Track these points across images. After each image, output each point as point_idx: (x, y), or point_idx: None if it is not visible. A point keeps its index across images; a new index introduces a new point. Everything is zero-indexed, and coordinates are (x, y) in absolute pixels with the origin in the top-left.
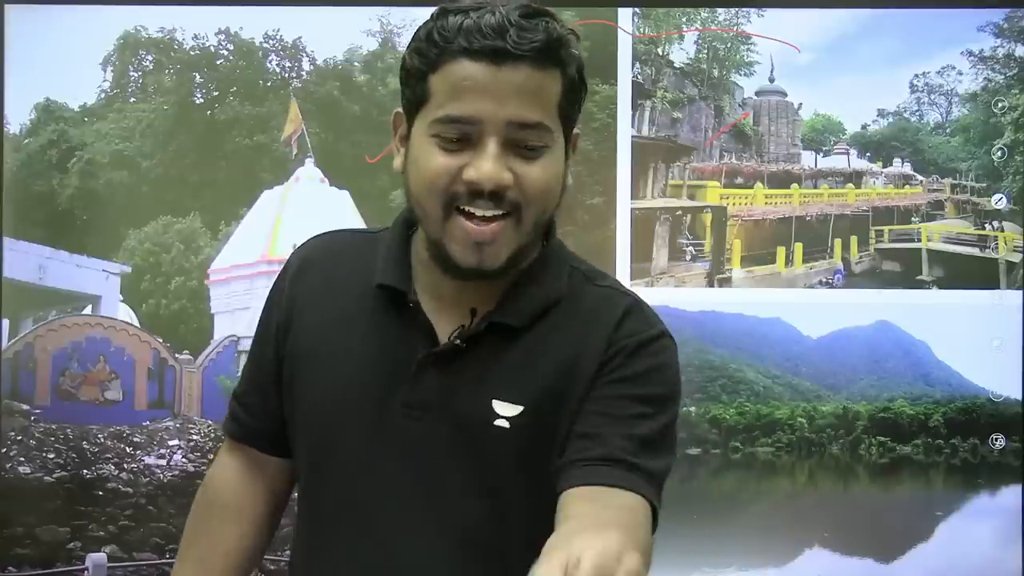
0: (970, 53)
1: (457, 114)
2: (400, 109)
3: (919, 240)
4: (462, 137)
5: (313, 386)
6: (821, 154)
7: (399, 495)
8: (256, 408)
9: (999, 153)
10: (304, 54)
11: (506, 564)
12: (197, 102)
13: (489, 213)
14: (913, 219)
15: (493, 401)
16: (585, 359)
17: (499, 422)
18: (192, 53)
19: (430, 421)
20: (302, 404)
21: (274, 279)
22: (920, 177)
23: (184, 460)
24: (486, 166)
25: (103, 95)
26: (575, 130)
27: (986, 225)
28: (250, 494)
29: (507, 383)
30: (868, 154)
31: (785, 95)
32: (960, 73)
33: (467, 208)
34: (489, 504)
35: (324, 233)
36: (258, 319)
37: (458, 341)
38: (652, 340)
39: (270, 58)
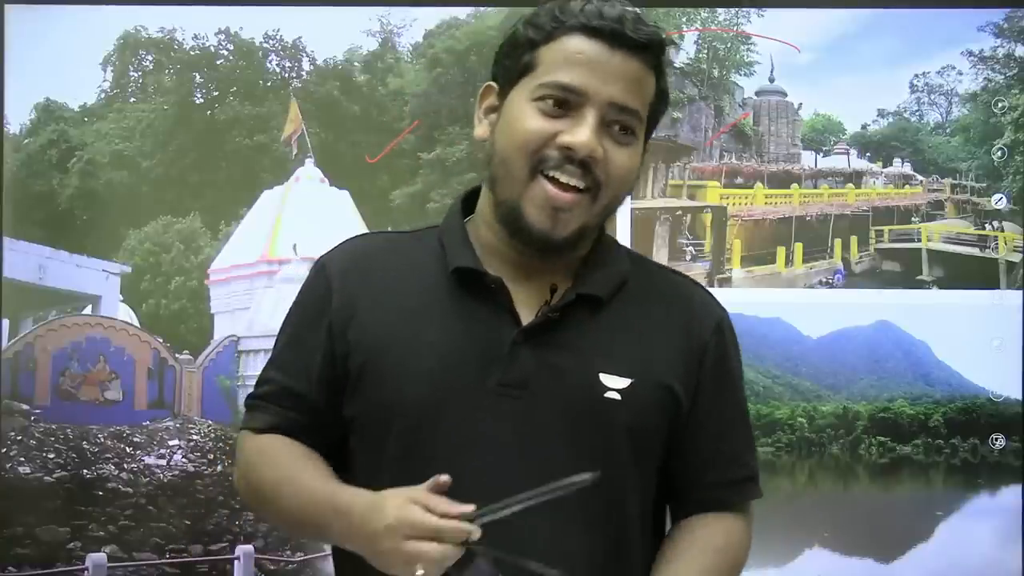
0: (970, 53)
1: (566, 82)
2: (489, 82)
3: (919, 240)
4: (563, 105)
5: (395, 378)
6: (821, 154)
7: (506, 474)
8: (289, 402)
9: (999, 153)
10: (304, 54)
11: (617, 534)
12: (197, 102)
13: (573, 181)
14: (913, 219)
15: (600, 374)
16: (684, 339)
17: (609, 394)
18: (192, 53)
19: (529, 398)
20: (382, 397)
21: (274, 282)
22: (920, 177)
23: (184, 460)
24: (584, 134)
25: (103, 95)
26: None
27: (986, 225)
28: (291, 441)
29: (610, 356)
30: (868, 154)
31: (785, 95)
32: (960, 73)
33: (553, 174)
34: (598, 478)
35: (355, 237)
36: (290, 325)
37: (554, 314)
38: (726, 320)
39: (270, 58)
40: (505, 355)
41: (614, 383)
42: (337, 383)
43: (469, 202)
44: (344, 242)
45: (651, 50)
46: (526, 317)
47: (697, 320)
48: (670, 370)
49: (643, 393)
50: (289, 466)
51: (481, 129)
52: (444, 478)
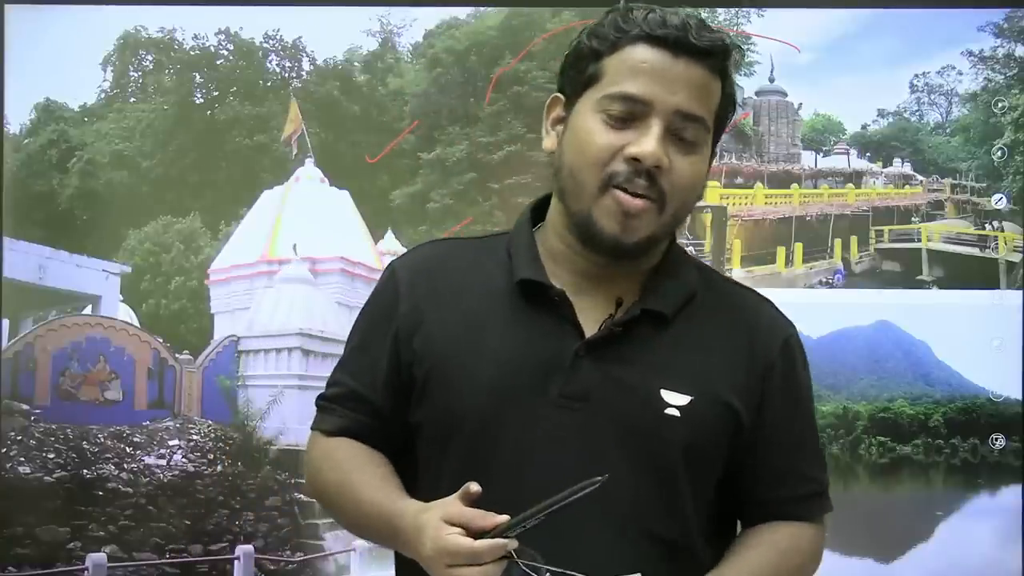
0: (970, 53)
1: (632, 92)
2: (556, 94)
3: (919, 240)
4: (628, 116)
5: (457, 387)
6: (821, 154)
7: (564, 485)
8: (356, 405)
9: (999, 153)
10: (304, 54)
11: (674, 549)
12: (197, 102)
13: (641, 191)
14: (913, 219)
15: (662, 390)
16: (749, 358)
17: (670, 411)
18: (192, 53)
19: (590, 412)
20: (445, 405)
21: (274, 282)
22: (920, 177)
23: (184, 460)
24: (650, 144)
25: (103, 95)
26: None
27: (986, 225)
28: (358, 444)
29: (671, 372)
30: (868, 154)
31: (785, 95)
32: (960, 73)
33: (623, 185)
34: (656, 490)
35: (425, 244)
36: (359, 330)
37: (617, 328)
38: (795, 336)
39: (270, 58)
40: (567, 367)
41: (674, 399)
42: (403, 389)
43: (539, 210)
44: (415, 248)
45: (715, 56)
46: (590, 329)
47: (763, 338)
48: (732, 388)
49: (703, 410)
50: (351, 471)
51: (549, 141)
52: (475, 488)
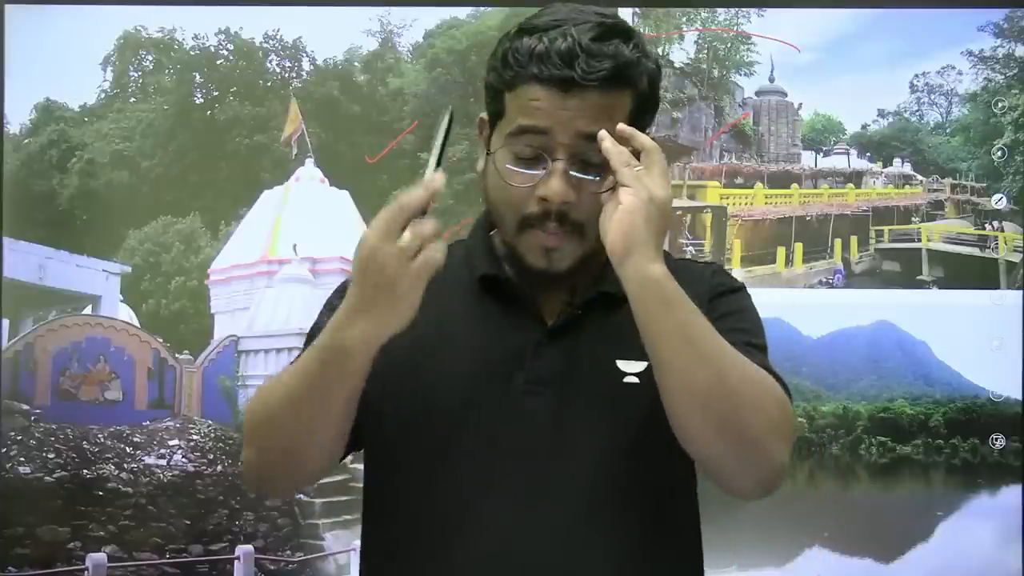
0: (970, 53)
1: (527, 124)
2: (483, 114)
3: (919, 240)
4: (534, 150)
5: (425, 385)
6: (821, 154)
7: (534, 468)
8: None
9: (999, 153)
10: (304, 54)
11: (651, 520)
12: (197, 102)
13: (554, 230)
14: (913, 219)
15: (617, 361)
16: (699, 305)
17: (628, 379)
18: (192, 53)
19: (554, 394)
20: (413, 402)
21: (274, 282)
22: (920, 177)
23: (184, 460)
24: (554, 185)
25: (103, 95)
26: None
27: (986, 225)
28: None
29: (626, 345)
30: (868, 154)
31: (785, 95)
32: (960, 73)
33: (537, 227)
34: (628, 462)
35: None
36: (313, 328)
37: (577, 311)
38: (741, 288)
39: (270, 58)
40: (530, 355)
41: (631, 367)
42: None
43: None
44: None
45: (609, 81)
46: (551, 319)
47: (713, 289)
48: None
49: None
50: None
51: (480, 163)
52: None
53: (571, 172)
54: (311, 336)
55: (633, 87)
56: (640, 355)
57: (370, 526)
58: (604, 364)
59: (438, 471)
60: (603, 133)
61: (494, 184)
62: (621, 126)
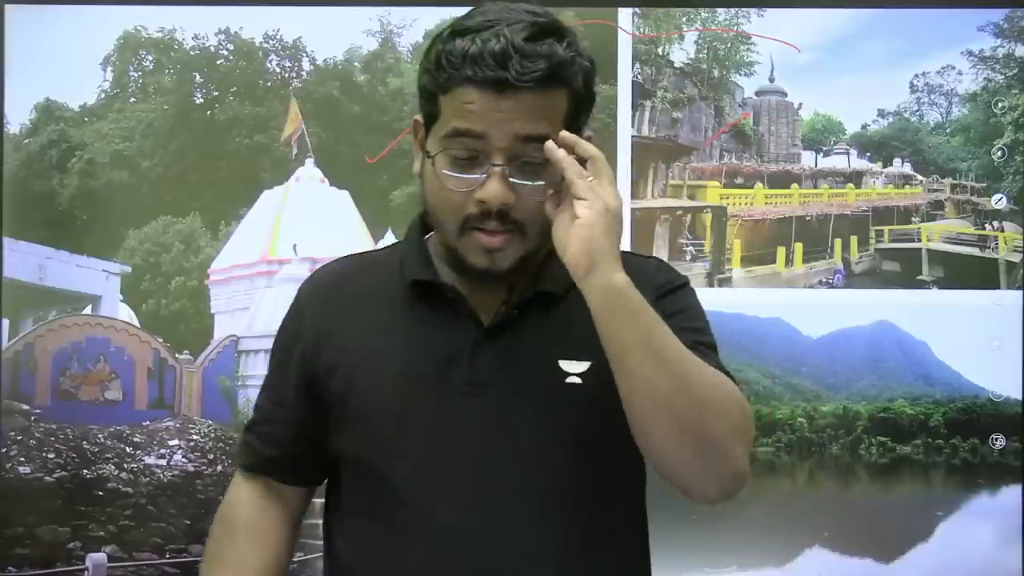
0: (970, 53)
1: (463, 128)
2: (417, 116)
3: (919, 240)
4: (470, 153)
5: (365, 392)
6: (821, 154)
7: (475, 472)
8: (271, 438)
9: (999, 153)
10: (304, 54)
11: (595, 517)
12: (197, 102)
13: (495, 229)
14: (913, 219)
15: (560, 361)
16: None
17: (571, 379)
18: (192, 53)
19: (494, 395)
20: (358, 407)
21: (274, 282)
22: (920, 177)
23: (184, 460)
24: (492, 188)
25: (103, 95)
26: (588, 132)
27: (986, 225)
28: (269, 519)
29: (567, 345)
30: (868, 154)
31: (785, 95)
32: (960, 73)
33: (478, 227)
34: (570, 461)
35: (330, 262)
36: (273, 355)
37: (514, 311)
38: (686, 284)
39: (270, 58)
40: (468, 356)
41: (573, 367)
42: (318, 403)
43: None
44: (319, 267)
45: (544, 81)
46: (487, 319)
47: (659, 288)
48: None
49: (604, 372)
50: (212, 566)
51: (416, 165)
52: None
53: (510, 176)
54: (271, 357)
55: (568, 86)
56: (581, 355)
57: (332, 531)
58: (545, 364)
59: (384, 477)
60: (550, 144)
61: (433, 187)
62: (564, 134)
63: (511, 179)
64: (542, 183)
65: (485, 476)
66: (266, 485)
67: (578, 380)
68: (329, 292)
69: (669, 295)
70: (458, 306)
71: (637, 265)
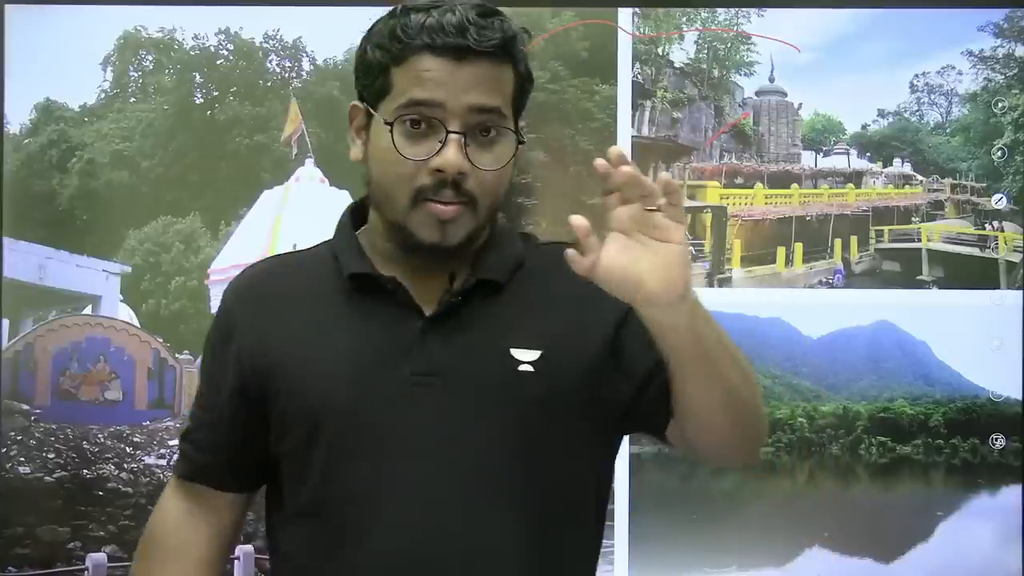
0: (970, 53)
1: (421, 97)
2: (355, 102)
3: (919, 240)
4: (424, 122)
5: (310, 390)
6: (821, 154)
7: (429, 460)
8: (206, 443)
9: (999, 153)
10: (304, 54)
11: (550, 506)
12: (197, 102)
13: (450, 199)
14: (913, 219)
15: (511, 349)
16: (591, 299)
17: (523, 367)
18: (192, 53)
19: (444, 383)
20: (300, 411)
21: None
22: (920, 177)
23: None
24: (450, 154)
25: (103, 95)
26: (522, 123)
27: (986, 225)
28: (193, 536)
29: (518, 331)
30: (868, 154)
31: (785, 95)
32: (960, 73)
33: (432, 198)
34: (520, 451)
35: (254, 264)
36: (204, 361)
37: (456, 298)
38: None
39: (270, 58)
40: (414, 346)
41: (525, 356)
42: (255, 409)
43: (358, 212)
44: (244, 269)
45: (501, 50)
46: (428, 309)
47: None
48: (579, 332)
49: (556, 361)
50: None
51: (356, 151)
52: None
53: (466, 146)
54: (202, 364)
55: (516, 62)
56: (531, 343)
57: (276, 532)
58: (496, 352)
59: (335, 475)
60: (664, 176)
61: (384, 161)
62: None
63: (467, 149)
64: (496, 146)
65: (440, 468)
66: (197, 496)
67: (530, 368)
68: (259, 292)
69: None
70: (398, 297)
71: (557, 256)
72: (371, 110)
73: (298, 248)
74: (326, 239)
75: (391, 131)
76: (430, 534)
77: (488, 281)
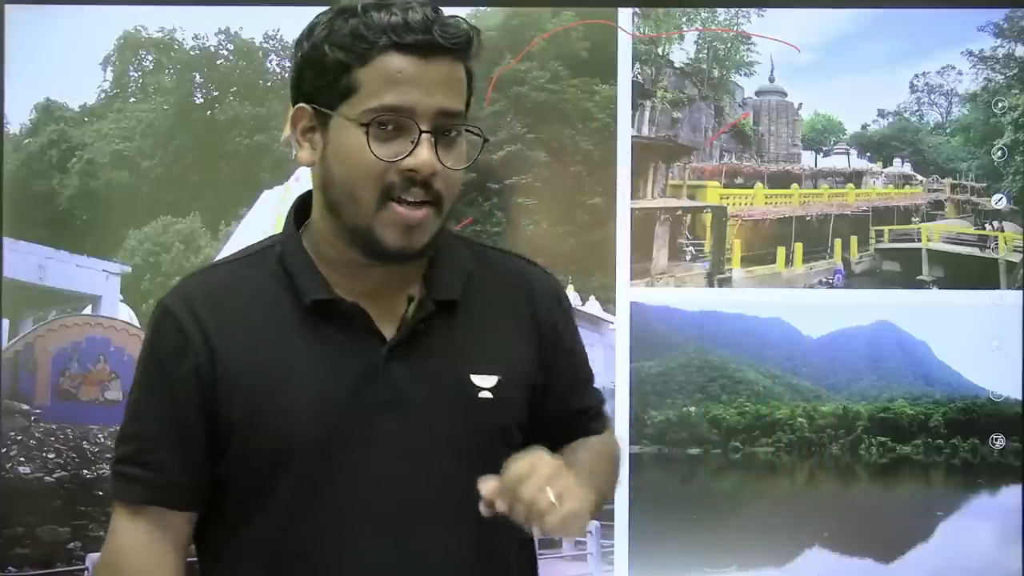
0: (970, 53)
1: (394, 103)
2: (303, 104)
3: (919, 240)
4: (393, 123)
5: (274, 421)
6: (821, 154)
7: (396, 488)
8: (164, 464)
9: (999, 153)
10: None
11: (498, 532)
12: (197, 102)
13: (419, 200)
14: (913, 219)
15: (471, 376)
16: (532, 322)
17: (483, 394)
18: (192, 53)
19: (409, 411)
20: (266, 439)
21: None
22: (920, 177)
23: None
24: (423, 155)
25: (103, 95)
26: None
27: (986, 225)
28: (158, 559)
29: (475, 356)
30: (868, 154)
31: (785, 95)
32: (960, 73)
33: (401, 197)
34: (481, 476)
35: (193, 275)
36: (148, 378)
37: (420, 326)
38: (563, 291)
39: (270, 58)
40: (377, 374)
41: (484, 382)
42: (210, 435)
43: (300, 212)
44: (183, 281)
45: (463, 47)
46: (388, 331)
47: (540, 299)
48: (526, 356)
49: (510, 386)
50: None
51: (305, 154)
52: None
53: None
54: (142, 384)
55: (470, 62)
56: (490, 369)
57: (226, 560)
58: (457, 379)
59: (301, 509)
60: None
61: (352, 160)
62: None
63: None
64: (456, 147)
65: (403, 494)
66: (155, 521)
67: (489, 395)
68: (207, 306)
69: (564, 320)
70: (360, 322)
71: (525, 269)
72: (326, 111)
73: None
74: (267, 241)
75: (367, 132)
76: (395, 565)
77: (445, 302)
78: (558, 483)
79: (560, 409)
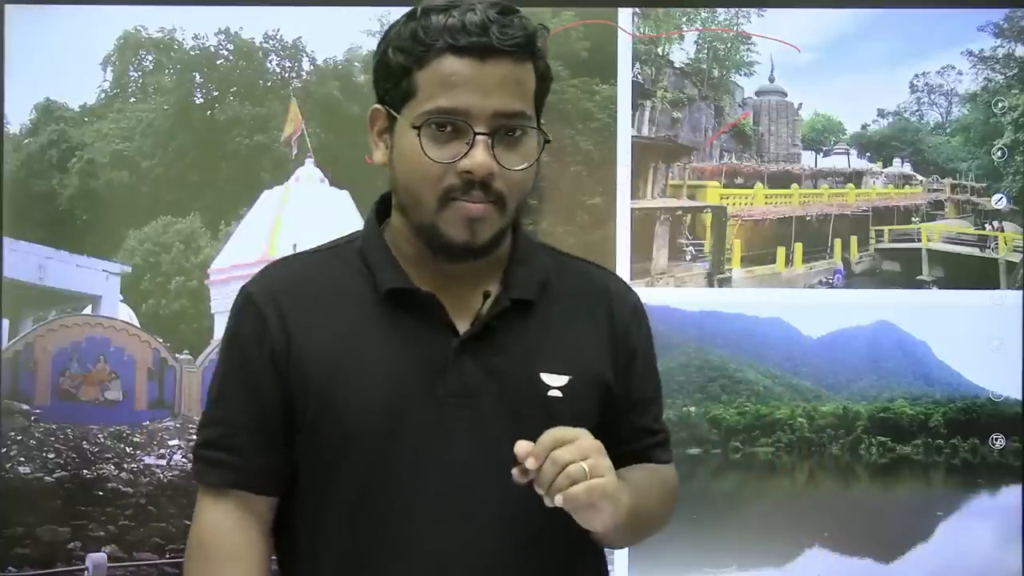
0: (970, 53)
1: (448, 106)
2: (377, 105)
3: (919, 240)
4: (451, 125)
5: (346, 408)
6: (821, 154)
7: (464, 482)
8: (249, 449)
9: (999, 153)
10: (304, 54)
11: (568, 532)
12: (197, 102)
13: (479, 200)
14: (913, 219)
15: (542, 374)
16: (609, 329)
17: (552, 393)
18: (192, 53)
19: (478, 405)
20: (336, 428)
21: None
22: (920, 177)
23: (184, 460)
24: (478, 157)
25: (103, 95)
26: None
27: (986, 225)
28: (249, 541)
29: (547, 355)
30: (868, 154)
31: (785, 95)
32: (960, 73)
33: (460, 198)
34: None
35: (276, 263)
36: (229, 363)
37: (494, 321)
38: (640, 301)
39: (270, 58)
40: (449, 367)
41: (554, 381)
42: (287, 420)
43: (382, 208)
44: (266, 269)
45: (522, 48)
46: (462, 325)
47: (617, 308)
48: (600, 360)
49: (580, 387)
50: None
51: (379, 154)
52: None
53: (493, 147)
54: (224, 368)
55: (537, 60)
56: (561, 368)
57: (299, 564)
58: (528, 376)
59: (369, 498)
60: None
61: (411, 163)
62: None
63: (494, 150)
64: (521, 147)
65: (471, 491)
66: (242, 503)
67: (559, 394)
68: (288, 294)
69: (638, 328)
70: (434, 313)
71: (607, 278)
72: (394, 113)
73: (299, 249)
74: (350, 236)
75: (419, 135)
76: (460, 557)
77: (520, 301)
78: (596, 459)
79: (627, 422)
